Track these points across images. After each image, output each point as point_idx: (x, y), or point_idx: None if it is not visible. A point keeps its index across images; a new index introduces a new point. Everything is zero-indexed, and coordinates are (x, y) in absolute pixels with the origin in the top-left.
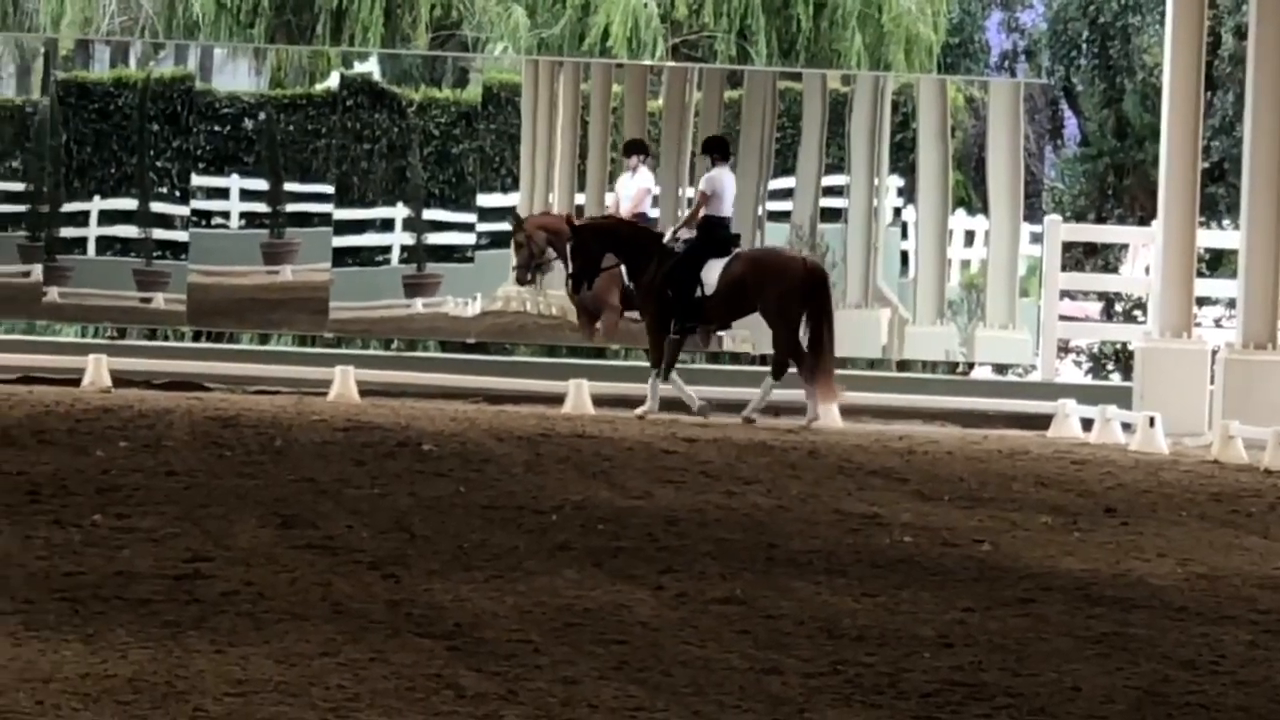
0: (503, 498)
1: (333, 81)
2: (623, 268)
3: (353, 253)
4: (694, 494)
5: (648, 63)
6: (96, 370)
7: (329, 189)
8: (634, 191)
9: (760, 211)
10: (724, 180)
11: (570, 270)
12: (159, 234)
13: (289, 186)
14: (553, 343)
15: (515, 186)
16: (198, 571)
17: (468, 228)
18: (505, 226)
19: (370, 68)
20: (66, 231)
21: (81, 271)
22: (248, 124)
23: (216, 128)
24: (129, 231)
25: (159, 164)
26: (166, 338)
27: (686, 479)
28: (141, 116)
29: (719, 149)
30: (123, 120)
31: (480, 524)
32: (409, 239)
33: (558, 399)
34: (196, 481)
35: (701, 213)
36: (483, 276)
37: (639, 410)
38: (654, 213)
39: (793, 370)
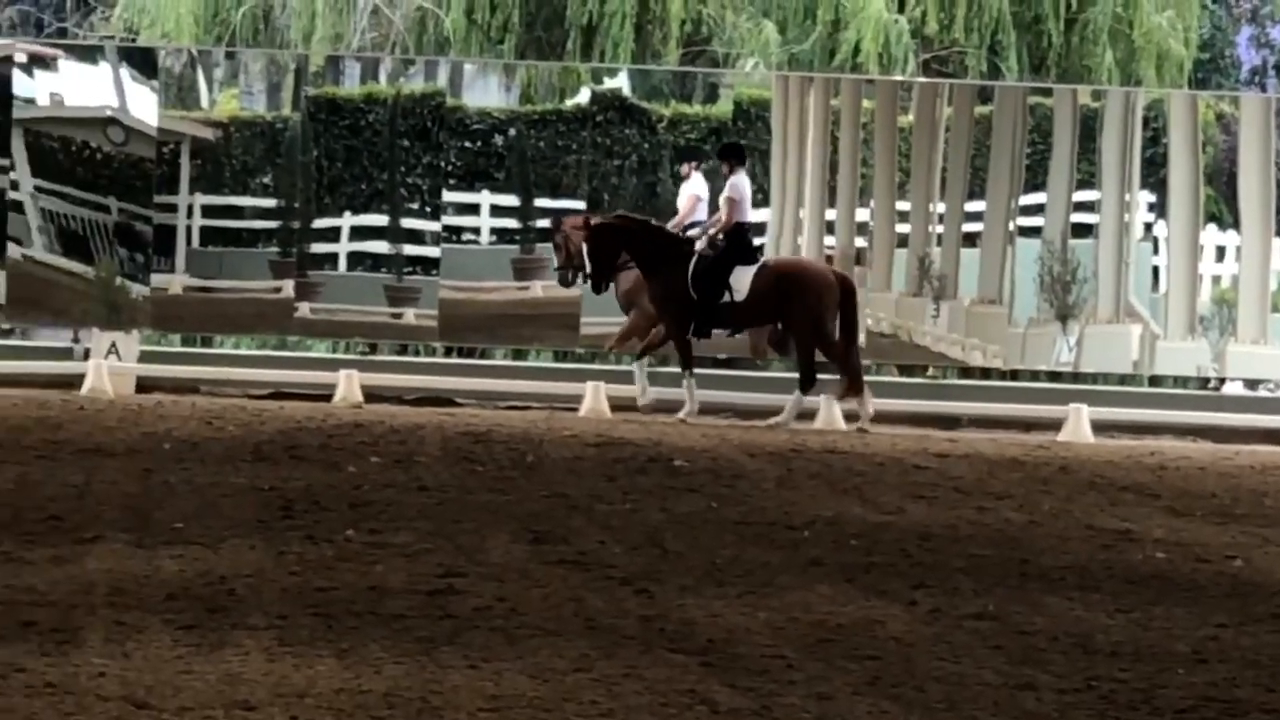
0: (754, 513)
1: (583, 97)
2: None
3: None
4: (946, 509)
5: (898, 78)
6: (348, 386)
7: (580, 204)
8: (684, 199)
9: (1011, 227)
10: (746, 187)
11: (589, 268)
12: (410, 249)
13: (539, 202)
14: None
15: (765, 202)
16: (451, 587)
17: None
18: (758, 241)
19: (620, 83)
20: (318, 247)
21: (333, 287)
22: (498, 140)
23: (467, 143)
24: (380, 247)
25: (409, 180)
26: (418, 353)
27: (938, 494)
28: (392, 132)
29: (736, 155)
30: (373, 136)
31: (732, 540)
32: None
33: (808, 415)
34: (448, 497)
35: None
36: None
37: (680, 414)
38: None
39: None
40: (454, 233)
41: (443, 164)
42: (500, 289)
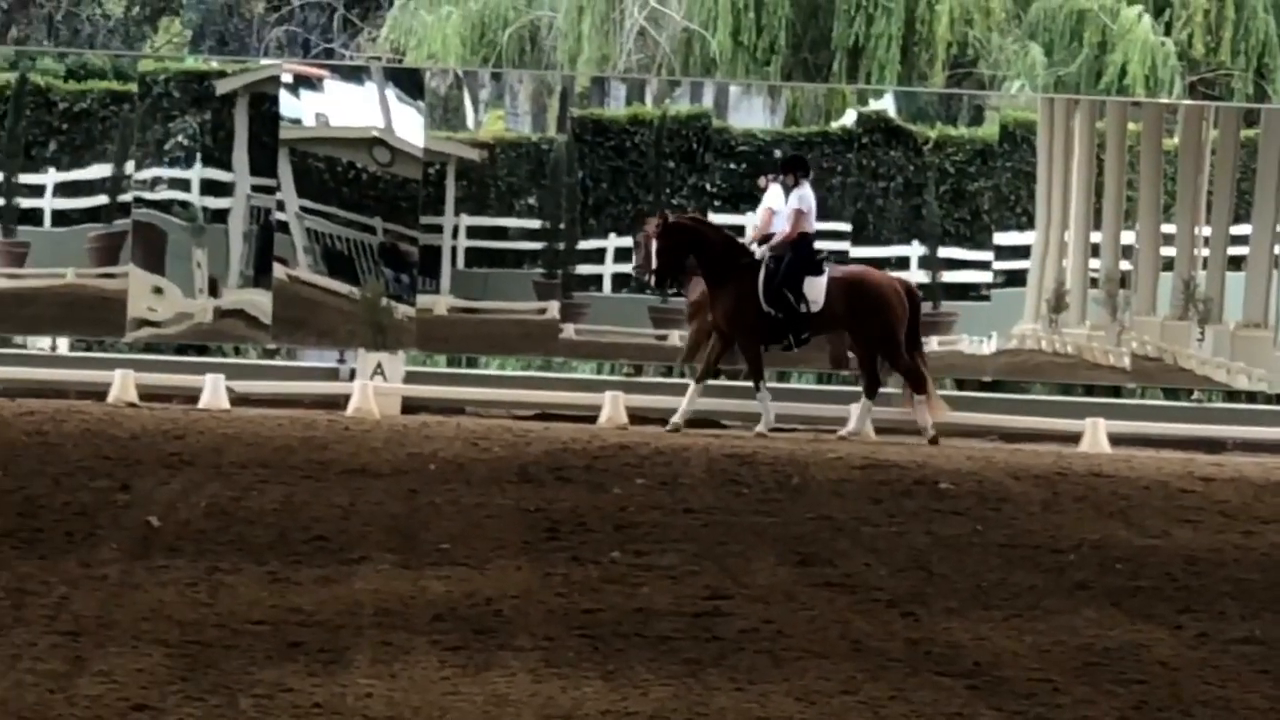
0: (1020, 536)
1: (848, 119)
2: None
3: None
4: (1212, 533)
5: (1164, 100)
6: (614, 407)
7: (845, 226)
8: (759, 212)
9: (1277, 250)
10: (812, 198)
11: (655, 264)
12: None
13: None
14: (1069, 381)
15: (1030, 225)
16: (717, 609)
17: (983, 265)
18: (1022, 264)
19: (886, 105)
20: (583, 268)
21: (598, 308)
22: (763, 161)
23: (732, 165)
24: None
25: (674, 201)
26: (682, 375)
27: (1204, 518)
28: (657, 154)
29: (801, 167)
30: (638, 158)
31: (998, 562)
32: (924, 277)
33: (1073, 438)
34: (714, 519)
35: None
36: (999, 314)
37: (759, 428)
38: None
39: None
40: None
41: (707, 186)
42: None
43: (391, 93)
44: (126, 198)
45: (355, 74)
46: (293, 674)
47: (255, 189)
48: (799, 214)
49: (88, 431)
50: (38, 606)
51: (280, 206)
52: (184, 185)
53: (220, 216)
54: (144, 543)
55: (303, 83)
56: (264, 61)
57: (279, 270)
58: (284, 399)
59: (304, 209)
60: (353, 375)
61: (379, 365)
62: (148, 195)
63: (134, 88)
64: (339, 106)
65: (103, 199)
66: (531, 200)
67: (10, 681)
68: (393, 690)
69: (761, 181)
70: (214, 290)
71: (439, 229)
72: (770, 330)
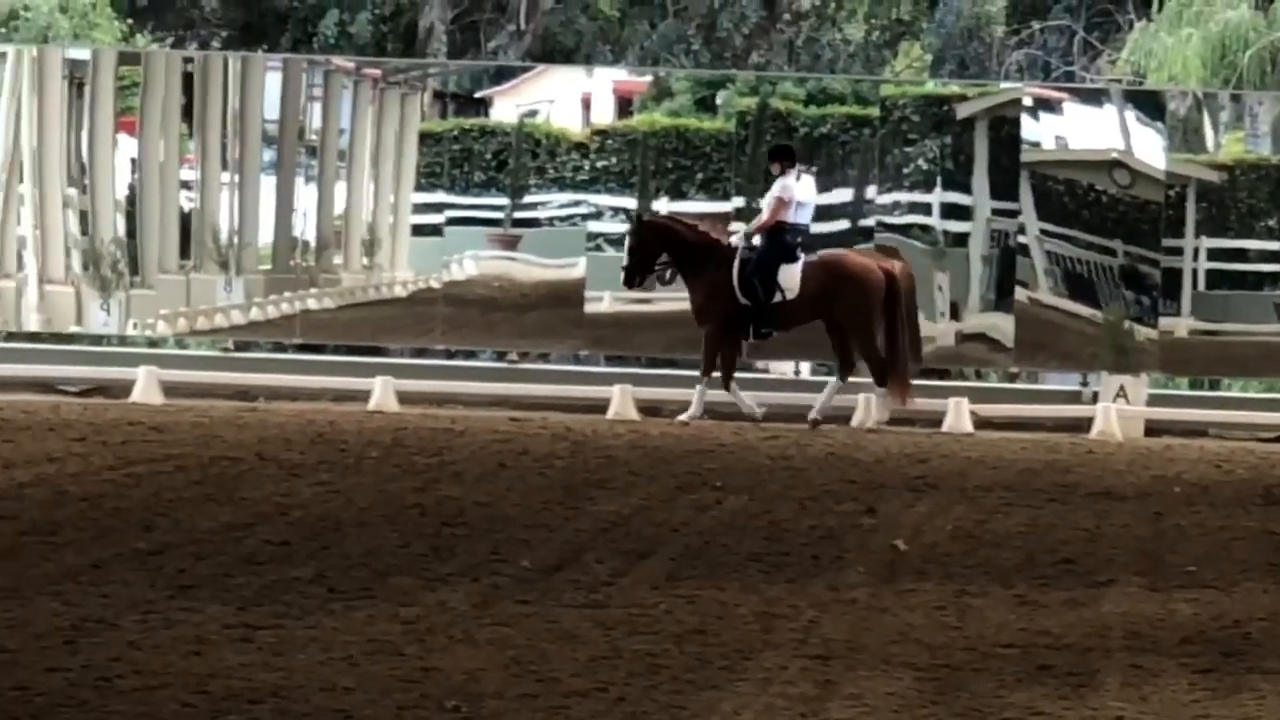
0: None
1: None
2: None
3: None
4: None
5: None
6: None
7: None
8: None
9: None
10: (796, 187)
11: (625, 261)
12: None
13: None
14: None
15: None
16: None
17: None
18: None
19: None
20: None
21: None
22: None
23: None
24: None
25: None
26: None
27: None
28: None
29: (786, 156)
30: None
31: None
32: None
33: None
34: None
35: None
36: None
37: (682, 417)
38: None
39: None
40: None
41: None
42: None
43: (1131, 115)
44: (868, 221)
45: (1094, 96)
46: (1042, 697)
47: (996, 213)
48: (779, 202)
49: (832, 455)
50: (786, 630)
51: (1021, 230)
52: (924, 209)
53: (960, 240)
54: (890, 566)
55: (1042, 105)
56: (1004, 85)
57: (1021, 293)
58: (1027, 422)
59: (1044, 232)
60: (1095, 398)
61: (1121, 388)
62: (889, 219)
63: (875, 112)
64: (1078, 129)
65: (844, 223)
66: (1272, 222)
67: (762, 705)
68: (1143, 713)
69: (774, 169)
70: (955, 314)
71: (1179, 251)
72: (744, 321)
